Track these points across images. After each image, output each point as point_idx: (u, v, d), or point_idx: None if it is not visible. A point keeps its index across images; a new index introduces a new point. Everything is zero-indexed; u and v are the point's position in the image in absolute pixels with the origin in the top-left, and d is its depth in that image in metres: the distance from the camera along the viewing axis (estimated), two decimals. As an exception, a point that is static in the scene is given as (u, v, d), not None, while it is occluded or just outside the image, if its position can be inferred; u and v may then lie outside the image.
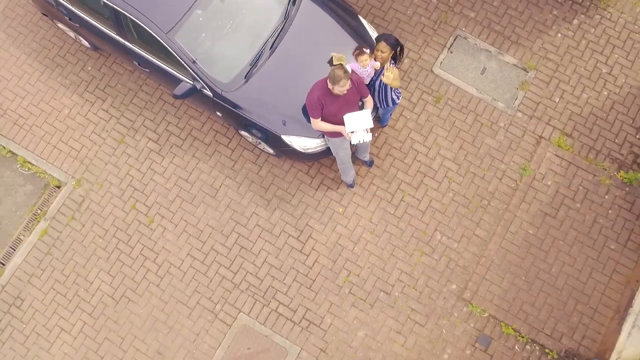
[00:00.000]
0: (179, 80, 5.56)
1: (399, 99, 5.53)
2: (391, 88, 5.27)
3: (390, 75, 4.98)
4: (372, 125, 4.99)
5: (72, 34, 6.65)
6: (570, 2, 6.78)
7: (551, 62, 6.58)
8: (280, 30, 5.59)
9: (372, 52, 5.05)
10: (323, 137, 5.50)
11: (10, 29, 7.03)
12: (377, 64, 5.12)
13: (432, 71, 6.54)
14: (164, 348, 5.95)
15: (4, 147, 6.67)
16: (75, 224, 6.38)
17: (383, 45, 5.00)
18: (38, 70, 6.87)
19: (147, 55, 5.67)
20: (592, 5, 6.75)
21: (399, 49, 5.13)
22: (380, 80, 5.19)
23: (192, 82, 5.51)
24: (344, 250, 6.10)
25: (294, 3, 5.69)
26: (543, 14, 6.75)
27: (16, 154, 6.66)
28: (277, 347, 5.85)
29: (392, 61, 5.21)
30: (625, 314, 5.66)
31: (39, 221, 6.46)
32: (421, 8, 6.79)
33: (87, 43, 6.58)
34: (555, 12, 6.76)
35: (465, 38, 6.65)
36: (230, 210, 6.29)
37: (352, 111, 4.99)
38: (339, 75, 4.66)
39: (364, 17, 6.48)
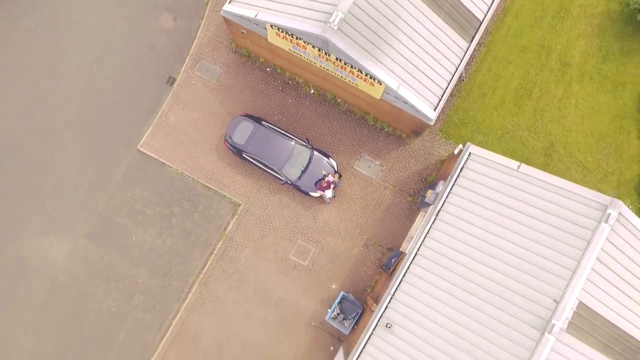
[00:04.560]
0: (282, 180, 20.25)
1: (338, 185, 20.21)
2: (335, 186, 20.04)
3: (337, 183, 19.79)
4: (333, 194, 19.77)
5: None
6: (396, 140, 21.30)
7: (391, 161, 21.20)
8: (308, 164, 20.18)
9: (333, 174, 19.75)
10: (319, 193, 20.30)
11: (219, 153, 21.60)
12: (331, 179, 19.77)
13: (353, 167, 21.18)
14: (278, 250, 20.93)
15: (221, 192, 21.38)
16: (247, 216, 21.18)
17: (335, 176, 19.73)
18: (226, 167, 21.47)
19: (274, 174, 20.33)
20: (405, 140, 21.29)
21: (339, 175, 19.79)
22: (334, 183, 19.90)
23: (285, 180, 20.21)
24: (327, 221, 20.94)
25: (310, 156, 20.25)
26: (390, 145, 21.29)
27: (225, 195, 21.38)
28: (306, 248, 20.82)
29: (339, 178, 19.89)
30: (404, 238, 20.57)
31: (234, 216, 21.28)
32: (349, 147, 21.34)
33: (250, 160, 20.91)
34: (393, 145, 21.31)
35: (364, 156, 21.25)
36: (295, 211, 21.07)
37: (328, 190, 19.73)
38: (325, 182, 19.40)
39: (333, 154, 21.10)
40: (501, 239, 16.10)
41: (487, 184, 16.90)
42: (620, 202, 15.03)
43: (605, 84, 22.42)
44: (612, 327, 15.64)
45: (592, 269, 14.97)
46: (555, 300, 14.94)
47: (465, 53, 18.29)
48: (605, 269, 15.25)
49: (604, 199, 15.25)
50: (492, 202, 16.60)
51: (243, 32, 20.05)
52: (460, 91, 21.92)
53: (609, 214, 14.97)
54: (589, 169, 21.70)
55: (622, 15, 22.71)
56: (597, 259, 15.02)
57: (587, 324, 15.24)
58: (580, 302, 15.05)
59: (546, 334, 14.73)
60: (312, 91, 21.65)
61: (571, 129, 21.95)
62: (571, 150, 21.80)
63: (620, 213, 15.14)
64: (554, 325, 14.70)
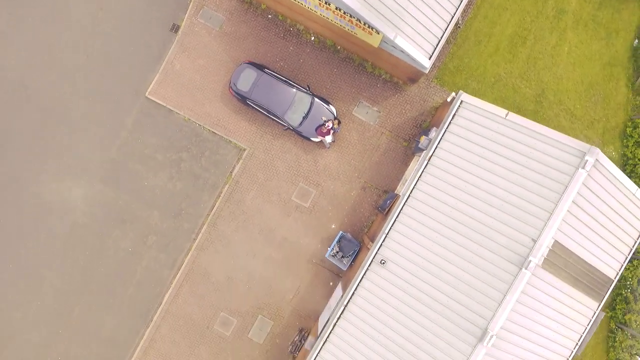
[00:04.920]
0: (284, 126, 21.33)
1: (337, 131, 21.33)
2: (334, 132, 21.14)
3: (336, 128, 20.87)
4: (332, 139, 20.92)
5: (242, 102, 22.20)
6: (393, 87, 22.16)
7: (388, 108, 22.18)
8: (309, 110, 21.18)
9: (333, 120, 20.81)
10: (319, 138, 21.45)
11: (224, 100, 22.55)
12: (331, 125, 20.87)
13: (352, 113, 22.19)
14: (281, 192, 22.35)
15: (226, 138, 22.51)
16: (251, 160, 22.45)
17: (335, 122, 20.78)
18: (231, 113, 22.50)
19: (277, 120, 21.37)
20: (402, 87, 22.16)
21: (339, 121, 20.87)
22: (334, 129, 21.01)
23: (287, 125, 21.28)
24: (327, 165, 22.23)
25: (311, 103, 21.21)
26: (387, 92, 22.17)
27: (231, 140, 22.54)
28: (307, 190, 22.25)
29: (338, 123, 20.97)
30: (399, 181, 21.91)
31: (239, 160, 22.54)
32: (348, 94, 22.22)
33: (254, 106, 21.96)
34: (390, 92, 22.18)
35: (362, 102, 22.19)
36: (297, 155, 22.30)
37: (328, 135, 20.87)
38: (325, 128, 20.50)
39: (332, 100, 22.02)
40: (487, 183, 17.39)
41: (477, 130, 17.98)
42: (598, 150, 16.18)
43: (599, 31, 22.93)
44: (583, 263, 17.26)
45: (568, 211, 16.35)
46: (533, 239, 16.44)
47: (462, 1, 18.79)
48: (580, 211, 16.64)
49: (583, 146, 16.39)
50: (481, 148, 17.75)
51: (244, -19, 20.44)
52: (457, 38, 22.50)
53: (587, 160, 16.17)
54: (577, 116, 22.67)
55: (621, -39, 22.83)
56: (573, 202, 16.37)
57: (561, 261, 16.82)
58: (556, 241, 16.56)
59: (523, 269, 16.34)
60: (313, 38, 22.25)
61: (562, 76, 22.71)
62: (561, 97, 22.67)
63: (597, 160, 16.33)
64: (530, 261, 16.27)
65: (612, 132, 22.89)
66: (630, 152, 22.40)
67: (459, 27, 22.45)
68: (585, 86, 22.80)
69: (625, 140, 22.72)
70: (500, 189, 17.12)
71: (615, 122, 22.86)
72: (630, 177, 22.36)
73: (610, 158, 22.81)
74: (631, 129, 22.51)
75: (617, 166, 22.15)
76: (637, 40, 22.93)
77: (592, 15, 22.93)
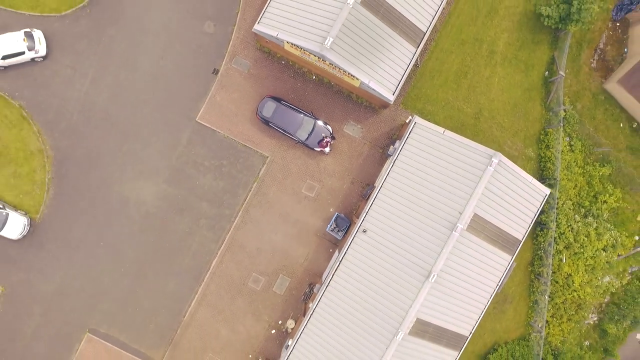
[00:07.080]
0: (296, 140, 30.42)
1: (332, 143, 30.42)
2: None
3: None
4: (330, 148, 30.02)
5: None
6: (372, 110, 31.22)
7: (368, 125, 31.20)
8: (312, 129, 30.23)
9: (330, 135, 29.91)
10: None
11: (252, 122, 31.67)
12: (329, 138, 29.96)
13: (343, 130, 31.24)
14: (294, 187, 31.42)
15: (254, 149, 31.58)
16: (272, 165, 31.50)
17: (330, 137, 29.90)
18: (257, 132, 31.59)
19: (290, 136, 30.45)
20: (378, 110, 31.19)
21: (333, 136, 29.94)
22: (330, 142, 30.12)
23: (298, 140, 30.36)
24: (326, 166, 31.29)
25: (314, 124, 30.28)
26: (367, 114, 31.22)
27: (257, 151, 31.60)
28: (312, 185, 31.34)
29: (333, 138, 30.06)
30: (377, 177, 30.96)
31: (264, 165, 31.60)
32: (340, 116, 31.30)
33: (274, 127, 31.01)
34: (370, 114, 31.25)
35: (350, 122, 31.24)
36: (305, 160, 31.36)
37: (326, 147, 29.96)
38: (325, 141, 29.60)
39: (329, 121, 31.13)
40: (431, 177, 26.40)
41: (425, 142, 26.99)
42: (500, 154, 25.17)
43: (520, 66, 31.92)
44: (497, 229, 26.28)
45: (481, 193, 25.34)
46: (459, 212, 25.45)
47: (414, 55, 27.79)
48: (491, 194, 25.65)
49: (491, 151, 25.38)
50: (427, 154, 26.77)
51: (267, 41, 29.51)
52: (416, 74, 31.50)
53: (493, 161, 25.16)
54: (505, 128, 31.66)
55: (535, 14, 31.78)
56: (485, 187, 25.37)
57: (479, 226, 25.84)
58: (475, 214, 25.56)
59: (454, 232, 25.34)
60: (314, 77, 31.29)
61: (494, 99, 31.69)
62: (494, 114, 31.65)
63: (500, 160, 25.32)
64: (458, 226, 25.27)
65: (531, 139, 31.87)
66: (543, 153, 31.37)
67: (418, 66, 31.45)
68: (511, 106, 31.77)
69: (540, 144, 31.69)
70: (439, 180, 26.15)
71: (533, 131, 31.84)
72: (542, 170, 31.38)
73: (530, 157, 31.83)
74: (544, 136, 31.48)
75: (534, 163, 31.34)
76: (547, 72, 31.89)
77: (514, 54, 31.89)
